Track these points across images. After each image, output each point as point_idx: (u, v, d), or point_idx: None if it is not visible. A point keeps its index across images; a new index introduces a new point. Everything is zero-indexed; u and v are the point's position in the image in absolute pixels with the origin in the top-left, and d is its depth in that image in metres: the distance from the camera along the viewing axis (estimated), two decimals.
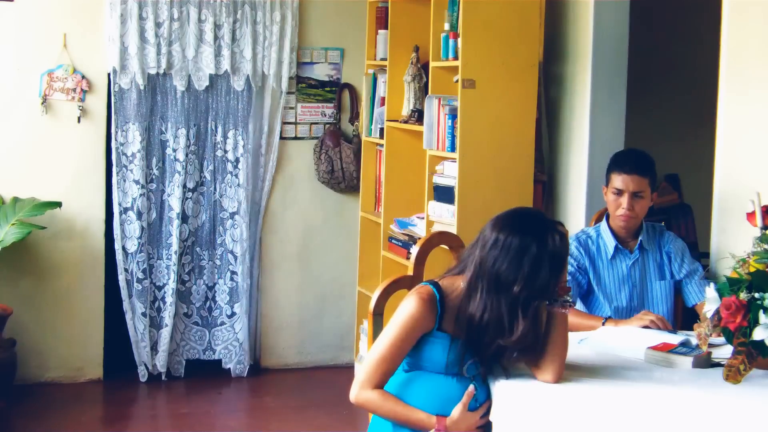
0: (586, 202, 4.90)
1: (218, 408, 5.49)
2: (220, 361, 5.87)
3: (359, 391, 2.84)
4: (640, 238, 3.88)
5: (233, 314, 5.84)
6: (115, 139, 5.55)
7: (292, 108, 5.95)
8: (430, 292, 2.84)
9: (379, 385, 2.83)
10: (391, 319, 2.87)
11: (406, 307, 2.82)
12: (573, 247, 3.88)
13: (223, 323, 5.85)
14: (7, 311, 5.22)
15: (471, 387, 2.82)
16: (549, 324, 2.85)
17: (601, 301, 3.86)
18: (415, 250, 3.40)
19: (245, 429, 5.21)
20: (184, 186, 5.67)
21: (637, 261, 3.87)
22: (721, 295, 2.83)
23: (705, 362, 3.02)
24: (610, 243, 3.88)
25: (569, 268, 3.80)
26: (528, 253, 2.72)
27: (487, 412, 2.85)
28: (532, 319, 2.75)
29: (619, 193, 3.83)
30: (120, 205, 5.57)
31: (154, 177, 5.65)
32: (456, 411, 2.79)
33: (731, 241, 3.71)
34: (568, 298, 2.87)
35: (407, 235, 5.38)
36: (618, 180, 3.84)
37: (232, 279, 5.82)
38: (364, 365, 2.86)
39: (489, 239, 2.79)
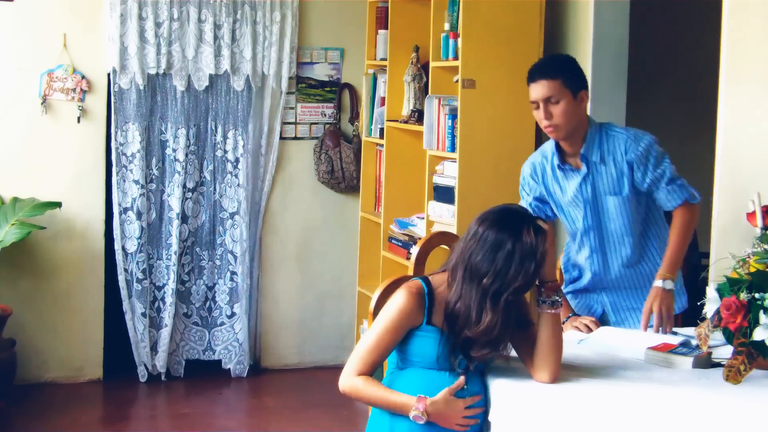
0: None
1: (218, 408, 5.49)
2: (220, 361, 5.86)
3: (345, 379, 2.88)
4: (581, 151, 3.56)
5: (233, 314, 5.84)
6: (115, 139, 5.55)
7: (292, 108, 5.95)
8: (418, 285, 2.88)
9: (365, 373, 2.86)
10: (380, 312, 2.90)
11: (395, 301, 2.86)
12: (527, 177, 3.72)
13: (222, 323, 5.85)
14: (7, 311, 5.22)
15: (461, 378, 2.82)
16: (540, 324, 2.87)
17: (567, 226, 3.70)
18: (415, 250, 3.40)
19: (245, 429, 5.21)
20: (184, 186, 5.67)
21: (586, 176, 3.58)
22: (721, 295, 2.82)
23: (705, 362, 3.02)
24: (555, 162, 3.64)
25: (527, 200, 3.72)
26: (502, 248, 2.77)
27: (478, 405, 2.84)
28: (501, 313, 2.76)
29: (537, 105, 3.52)
30: (120, 205, 5.57)
31: (153, 177, 5.65)
32: (440, 394, 2.79)
33: (731, 241, 3.70)
34: (558, 297, 2.87)
35: (407, 235, 5.38)
36: (530, 92, 3.54)
37: (231, 279, 5.82)
38: (352, 355, 2.90)
39: (470, 232, 2.85)
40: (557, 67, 3.56)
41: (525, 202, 3.75)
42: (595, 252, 3.64)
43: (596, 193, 3.59)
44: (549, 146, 3.68)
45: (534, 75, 3.53)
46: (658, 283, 3.50)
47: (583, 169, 3.57)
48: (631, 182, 3.57)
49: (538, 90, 3.49)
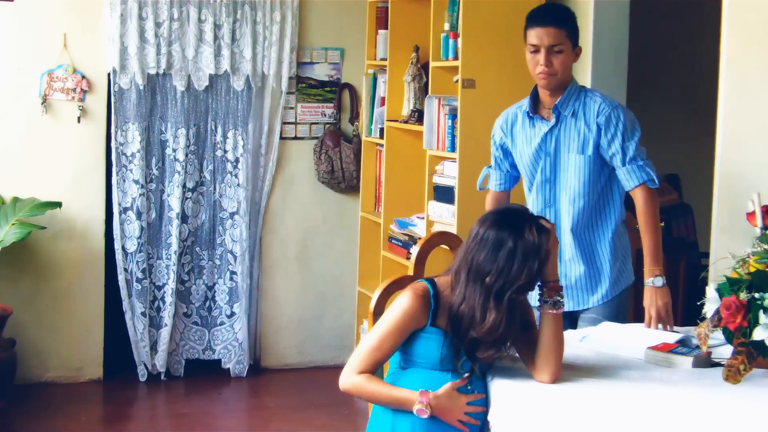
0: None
1: (218, 408, 5.49)
2: (219, 360, 5.87)
3: (346, 377, 2.87)
4: (556, 103, 3.58)
5: (233, 314, 5.84)
6: (115, 139, 5.55)
7: (292, 108, 5.95)
8: (424, 287, 2.88)
9: (367, 372, 2.85)
10: (385, 312, 2.90)
11: (400, 302, 2.86)
12: (499, 126, 3.78)
13: (222, 323, 5.85)
14: (7, 311, 5.22)
15: (465, 375, 2.82)
16: (541, 325, 2.87)
17: (525, 181, 3.74)
18: (415, 250, 3.40)
19: (245, 429, 5.21)
20: (184, 186, 5.68)
21: (553, 129, 3.60)
22: (721, 295, 2.83)
23: (705, 362, 3.02)
24: (528, 109, 3.67)
25: (494, 153, 3.82)
26: (503, 246, 2.77)
27: (480, 403, 2.84)
28: (505, 312, 2.76)
29: (536, 49, 3.55)
30: (120, 204, 5.57)
31: (153, 177, 5.65)
32: (443, 388, 2.80)
33: (731, 241, 3.71)
34: (559, 298, 2.87)
35: (407, 235, 5.38)
36: (532, 35, 3.56)
37: (231, 279, 5.82)
38: (354, 354, 2.90)
39: (472, 233, 2.86)
40: (565, 16, 3.59)
41: (492, 156, 3.83)
42: (548, 206, 3.67)
43: (559, 147, 3.60)
44: (525, 100, 3.72)
45: (541, 19, 3.55)
46: (648, 282, 3.52)
47: (552, 120, 3.60)
48: (597, 146, 3.57)
49: (544, 35, 3.51)
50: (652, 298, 3.50)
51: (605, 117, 3.55)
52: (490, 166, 3.91)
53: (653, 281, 3.51)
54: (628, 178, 3.56)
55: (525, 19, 3.67)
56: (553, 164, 3.63)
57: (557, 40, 3.53)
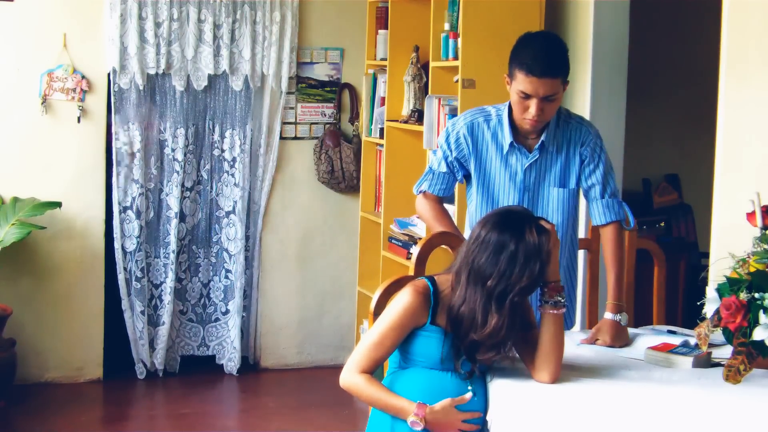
0: (585, 203, 4.89)
1: (219, 408, 5.49)
2: (213, 357, 5.90)
3: (347, 375, 2.87)
4: (542, 138, 3.34)
5: (227, 311, 5.85)
6: (115, 139, 5.55)
7: (291, 108, 5.95)
8: (424, 285, 2.88)
9: (367, 370, 2.86)
10: (385, 309, 2.91)
11: (400, 299, 2.86)
12: (462, 134, 3.42)
13: (217, 319, 5.87)
14: (7, 311, 5.22)
15: (469, 394, 2.82)
16: (542, 325, 2.87)
17: (482, 205, 3.42)
18: (415, 250, 3.40)
19: (245, 429, 5.21)
20: (182, 185, 5.68)
21: (535, 162, 3.37)
22: (721, 295, 2.83)
23: (705, 362, 3.02)
24: (506, 138, 3.36)
25: (445, 154, 3.47)
26: (505, 249, 2.76)
27: (477, 422, 2.84)
28: (507, 315, 2.76)
29: (527, 97, 3.24)
30: (120, 204, 5.57)
31: (152, 176, 5.65)
32: (441, 403, 2.79)
33: (731, 241, 3.71)
34: (560, 298, 2.87)
35: (407, 235, 5.38)
36: (525, 83, 3.22)
37: (226, 277, 5.83)
38: (354, 351, 2.90)
39: (473, 235, 2.85)
40: (563, 61, 3.30)
41: (441, 158, 3.50)
42: None
43: (539, 180, 3.40)
44: (494, 113, 3.43)
45: (539, 70, 3.21)
46: (613, 317, 3.28)
47: (535, 153, 3.37)
48: (578, 178, 3.41)
49: (540, 87, 3.22)
50: (616, 335, 3.25)
51: (590, 148, 3.39)
52: (432, 169, 3.56)
53: (621, 319, 3.28)
54: (605, 212, 3.40)
55: (513, 55, 3.32)
56: (531, 199, 3.41)
57: (553, 90, 3.25)
